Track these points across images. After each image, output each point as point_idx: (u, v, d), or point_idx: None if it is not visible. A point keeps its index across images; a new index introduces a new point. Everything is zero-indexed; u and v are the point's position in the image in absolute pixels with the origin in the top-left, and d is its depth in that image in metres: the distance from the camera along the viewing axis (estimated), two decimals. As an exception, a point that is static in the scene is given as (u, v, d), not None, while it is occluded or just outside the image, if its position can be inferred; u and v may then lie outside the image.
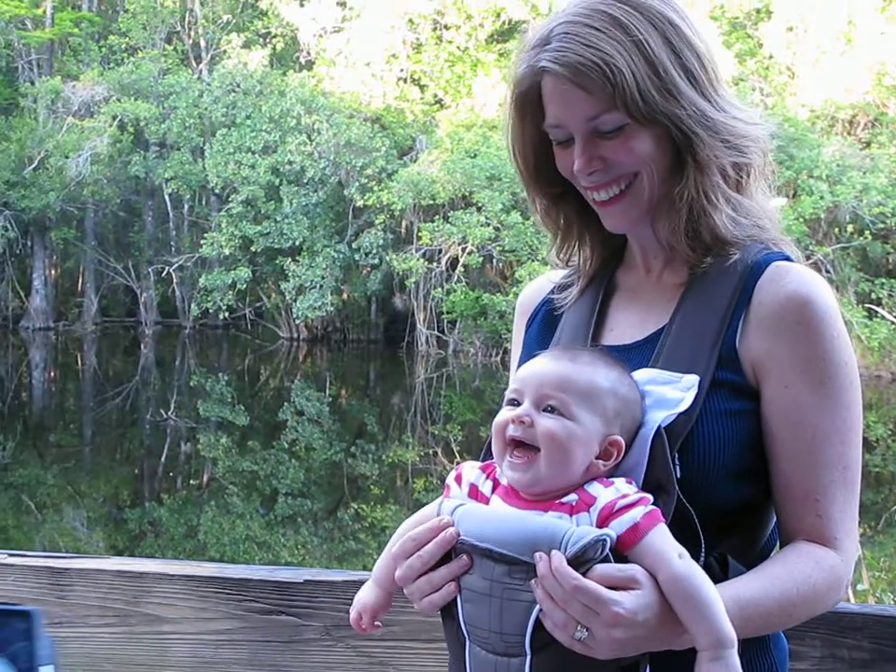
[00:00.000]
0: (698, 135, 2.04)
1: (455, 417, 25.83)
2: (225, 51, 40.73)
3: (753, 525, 2.08)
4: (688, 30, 2.07)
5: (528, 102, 2.13)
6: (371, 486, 19.19)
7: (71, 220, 40.00)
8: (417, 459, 21.03)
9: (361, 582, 2.13)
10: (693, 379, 2.00)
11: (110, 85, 38.37)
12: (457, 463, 2.10)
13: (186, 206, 40.31)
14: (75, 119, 37.34)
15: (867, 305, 29.91)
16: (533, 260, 31.12)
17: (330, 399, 28.05)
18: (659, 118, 2.03)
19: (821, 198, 29.26)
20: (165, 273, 38.97)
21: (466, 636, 1.92)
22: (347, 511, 17.36)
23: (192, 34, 42.16)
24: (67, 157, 36.73)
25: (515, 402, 1.97)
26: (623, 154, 2.06)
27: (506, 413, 1.96)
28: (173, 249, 40.00)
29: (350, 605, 2.10)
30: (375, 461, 20.72)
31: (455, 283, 33.36)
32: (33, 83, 40.08)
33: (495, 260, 33.97)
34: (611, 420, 1.94)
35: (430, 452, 21.71)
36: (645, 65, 2.01)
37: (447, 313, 33.74)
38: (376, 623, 2.10)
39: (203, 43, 41.97)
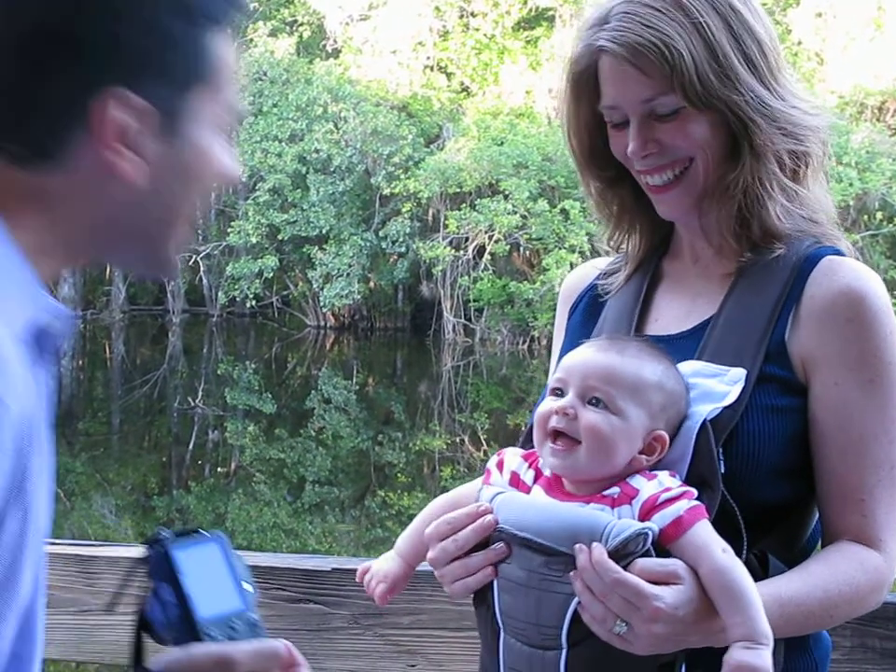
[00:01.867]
0: (755, 122, 2.02)
1: (481, 405, 25.80)
2: (252, 40, 40.71)
3: (795, 523, 2.06)
4: (749, 16, 2.04)
5: (584, 82, 2.12)
6: (398, 474, 19.20)
7: (99, 209, 40.08)
8: (444, 447, 21.02)
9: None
10: (739, 373, 1.98)
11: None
12: (497, 450, 2.08)
13: (213, 195, 40.33)
14: (102, 107, 37.41)
15: (896, 293, 29.75)
16: (560, 248, 31.07)
17: (357, 387, 28.04)
18: (716, 103, 2.00)
19: (850, 185, 29.07)
20: (192, 261, 38.99)
21: (500, 626, 1.91)
22: (374, 499, 17.37)
23: (219, 22, 42.17)
24: (95, 146, 36.82)
25: (559, 392, 1.95)
26: (678, 138, 2.04)
27: (549, 403, 1.94)
28: (200, 237, 40.03)
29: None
30: (402, 449, 20.72)
31: (482, 271, 33.30)
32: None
33: (522, 248, 33.90)
34: (656, 414, 1.92)
35: (457, 440, 21.70)
36: (704, 49, 1.99)
37: (474, 301, 33.69)
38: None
39: (229, 31, 41.96)
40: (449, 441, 21.60)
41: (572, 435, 1.89)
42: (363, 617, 2.72)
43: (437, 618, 2.67)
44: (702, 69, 1.99)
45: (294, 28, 41.74)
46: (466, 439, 21.65)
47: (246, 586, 1.41)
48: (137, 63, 1.37)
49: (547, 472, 1.95)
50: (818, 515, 2.09)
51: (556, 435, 1.91)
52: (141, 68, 1.37)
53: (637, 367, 1.94)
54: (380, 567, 2.09)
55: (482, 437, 21.71)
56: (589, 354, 1.99)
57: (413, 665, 2.72)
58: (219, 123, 1.48)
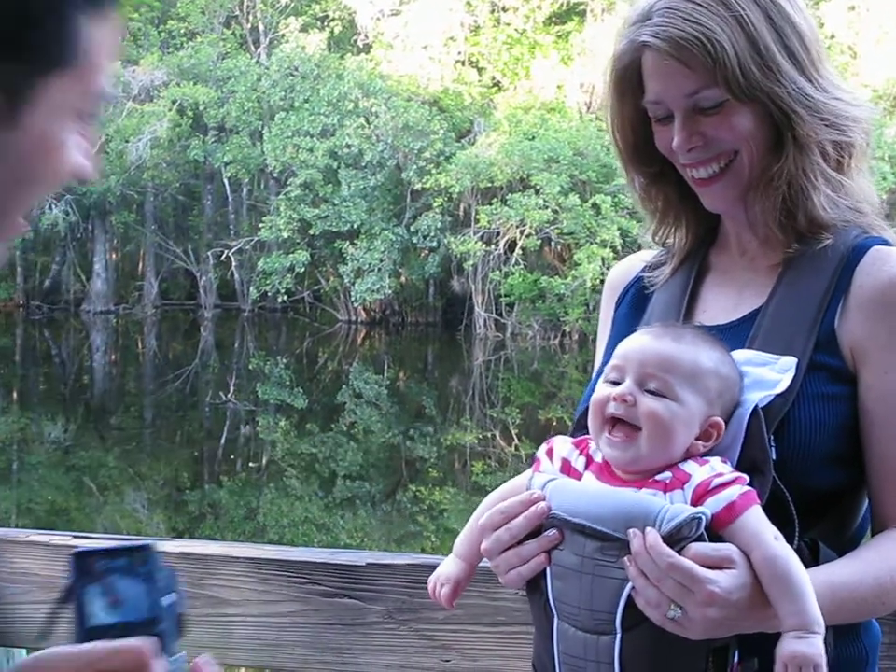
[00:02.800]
0: (798, 114, 2.02)
1: (513, 400, 25.83)
2: (283, 35, 40.82)
3: (845, 510, 2.06)
4: (790, 8, 2.05)
5: (628, 78, 2.12)
6: (430, 469, 19.23)
7: (131, 204, 40.23)
8: (475, 442, 21.05)
9: (423, 566, 2.13)
10: (790, 361, 1.98)
11: (170, 70, 38.57)
12: (527, 445, 2.08)
13: (244, 190, 40.45)
14: (135, 103, 37.53)
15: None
16: (591, 243, 31.06)
17: (389, 382, 28.11)
18: (759, 95, 2.01)
19: (884, 178, 28.94)
20: (224, 256, 39.14)
21: (554, 612, 1.91)
22: (405, 494, 17.40)
23: (251, 18, 42.28)
24: (127, 141, 36.93)
25: (615, 380, 1.95)
26: (723, 131, 2.04)
27: (606, 390, 1.94)
28: (231, 233, 40.17)
29: (412, 588, 2.10)
30: (433, 444, 20.76)
31: (513, 266, 33.31)
32: (93, 68, 40.25)
33: (553, 243, 33.90)
34: (713, 401, 1.92)
35: (488, 435, 21.73)
36: (746, 42, 2.00)
37: (505, 296, 33.70)
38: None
39: (261, 27, 42.07)
40: (480, 436, 21.63)
41: (631, 422, 1.89)
42: (398, 612, 2.72)
43: (472, 613, 2.66)
44: (744, 61, 1.99)
45: (325, 23, 41.80)
46: (497, 433, 21.67)
47: (167, 598, 1.40)
48: None
49: (598, 458, 1.95)
50: (867, 503, 2.09)
51: (614, 423, 1.91)
52: None
53: (693, 354, 1.94)
54: (442, 571, 2.09)
55: (513, 432, 21.74)
56: (645, 341, 1.98)
57: (447, 660, 2.72)
58: (79, 113, 1.32)
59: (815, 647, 1.76)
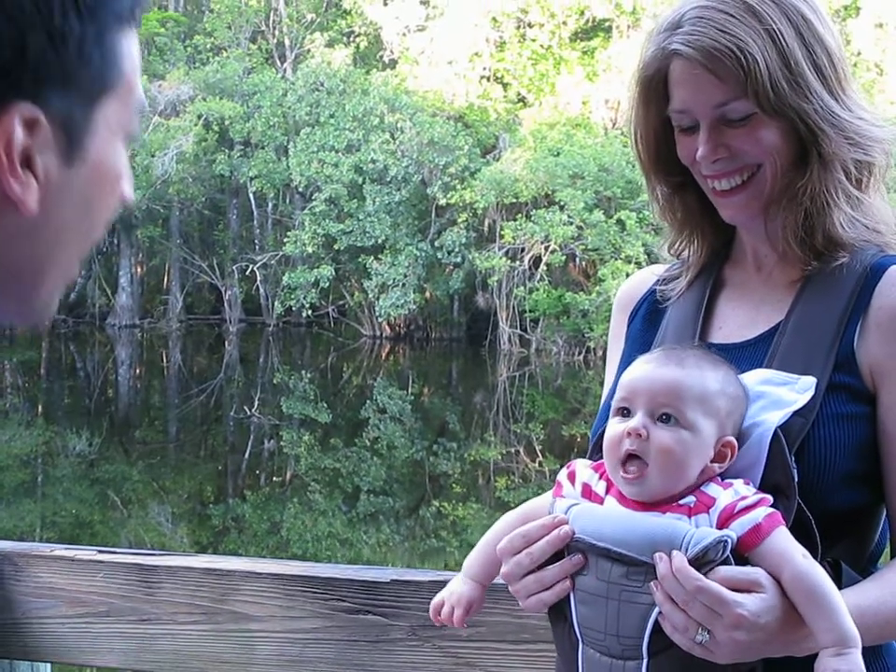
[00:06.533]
0: (824, 132, 2.02)
1: (537, 416, 25.80)
2: (309, 50, 40.95)
3: (864, 530, 2.05)
4: (820, 26, 2.04)
5: (654, 87, 2.11)
6: (453, 485, 19.20)
7: (157, 219, 40.34)
8: (499, 458, 21.02)
9: (448, 583, 2.11)
10: (810, 381, 1.97)
11: (196, 84, 38.70)
12: (551, 461, 2.07)
13: (270, 205, 40.55)
14: (161, 118, 37.68)
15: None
16: (616, 259, 31.03)
17: (413, 398, 28.09)
18: (787, 111, 2.00)
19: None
20: (249, 270, 39.23)
21: (579, 637, 1.90)
22: (429, 510, 17.38)
23: (277, 33, 42.43)
24: (153, 156, 37.08)
25: (626, 411, 1.94)
26: (749, 144, 2.03)
27: (619, 426, 1.92)
28: (257, 247, 40.27)
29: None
30: (457, 459, 20.74)
31: (538, 281, 33.31)
32: (119, 83, 40.41)
33: (577, 259, 33.88)
34: (724, 421, 1.91)
35: (512, 450, 21.70)
36: (777, 56, 1.99)
37: (530, 311, 33.69)
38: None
39: (287, 42, 42.22)
40: (504, 452, 21.60)
41: (644, 457, 1.88)
42: (422, 629, 2.71)
43: (496, 630, 2.65)
44: (775, 76, 1.98)
45: (351, 39, 41.92)
46: (521, 449, 21.64)
47: None
48: (43, 75, 1.17)
49: None
50: (884, 520, 2.08)
51: (627, 458, 1.89)
52: (46, 80, 1.18)
53: (700, 377, 1.93)
54: (452, 591, 2.07)
55: (537, 448, 21.70)
56: (650, 369, 1.96)
57: (471, 678, 2.71)
58: (126, 131, 1.29)
59: (853, 663, 1.76)
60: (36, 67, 1.16)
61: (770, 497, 1.85)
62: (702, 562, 1.78)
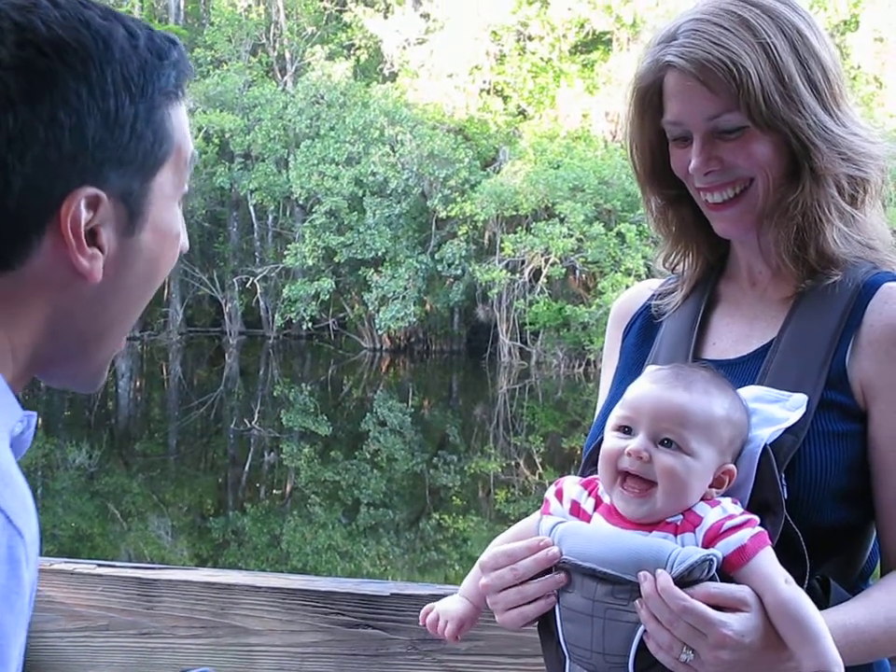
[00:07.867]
0: (817, 147, 2.02)
1: (537, 429, 25.76)
2: (309, 63, 40.97)
3: (854, 547, 2.05)
4: (815, 41, 2.05)
5: (649, 98, 2.12)
6: (453, 497, 19.18)
7: (157, 231, 40.30)
8: (500, 470, 20.99)
9: (447, 596, 2.11)
10: (801, 398, 1.97)
11: (196, 97, 38.71)
12: (552, 473, 2.06)
13: (270, 217, 40.54)
14: (161, 130, 37.66)
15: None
16: (616, 272, 31.01)
17: (413, 410, 28.06)
18: (779, 125, 2.00)
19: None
20: (249, 283, 39.21)
21: (566, 654, 1.90)
22: (429, 522, 17.36)
23: (277, 46, 42.45)
24: (154, 168, 37.07)
25: (626, 429, 1.93)
26: (741, 157, 2.04)
27: (619, 442, 1.91)
28: (257, 260, 40.25)
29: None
30: (457, 472, 20.70)
31: (538, 294, 33.29)
32: (120, 95, 40.45)
33: (577, 272, 33.86)
34: (725, 449, 1.91)
35: (513, 463, 21.67)
36: (771, 70, 1.99)
37: (530, 324, 33.67)
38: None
39: (287, 55, 42.25)
40: (504, 465, 21.57)
41: (646, 477, 1.87)
42: (421, 643, 2.71)
43: (495, 644, 2.65)
44: (768, 89, 1.99)
45: (351, 52, 41.96)
46: (521, 462, 21.61)
47: None
48: (101, 157, 1.27)
49: (607, 500, 1.93)
50: (874, 538, 2.08)
51: (626, 476, 1.89)
52: (105, 162, 1.28)
53: (706, 404, 1.91)
54: (447, 608, 2.07)
55: (537, 460, 21.67)
56: (656, 391, 1.94)
57: (470, 692, 2.71)
58: (181, 192, 1.39)
59: None
60: (95, 151, 1.27)
61: (757, 518, 1.85)
62: (687, 581, 1.78)
